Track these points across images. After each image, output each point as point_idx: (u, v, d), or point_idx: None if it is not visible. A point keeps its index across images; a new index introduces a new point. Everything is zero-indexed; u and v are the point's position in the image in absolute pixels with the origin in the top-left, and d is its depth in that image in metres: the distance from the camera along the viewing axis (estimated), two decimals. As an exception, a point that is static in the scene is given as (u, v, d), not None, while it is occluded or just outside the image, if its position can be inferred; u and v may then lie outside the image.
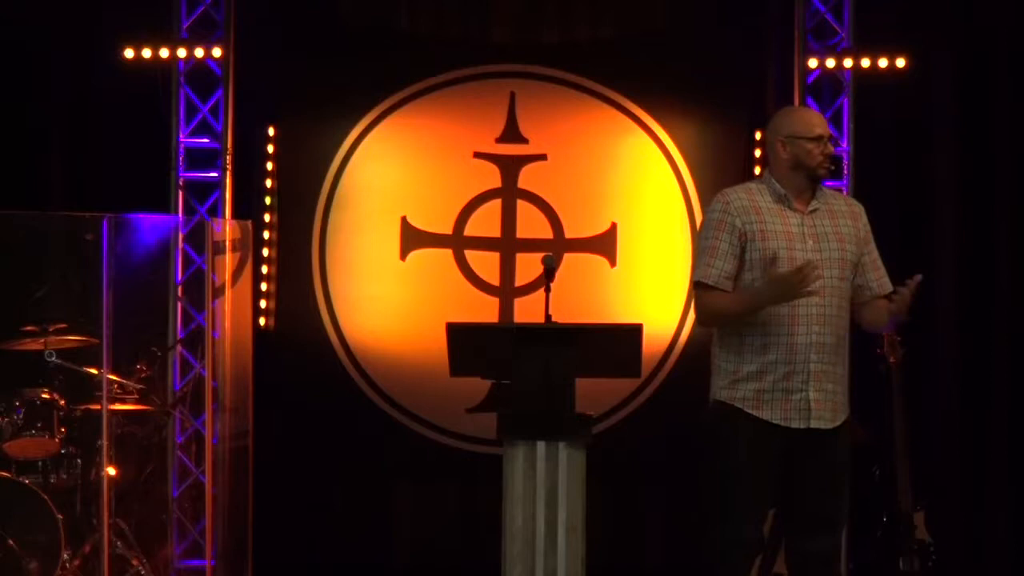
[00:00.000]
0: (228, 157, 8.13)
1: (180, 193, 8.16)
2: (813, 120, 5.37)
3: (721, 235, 5.23)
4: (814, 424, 5.17)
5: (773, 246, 5.18)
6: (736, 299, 5.18)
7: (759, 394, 5.19)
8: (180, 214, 8.13)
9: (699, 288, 5.24)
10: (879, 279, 5.35)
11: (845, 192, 8.00)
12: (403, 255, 8.20)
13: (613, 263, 8.07)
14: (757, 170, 8.08)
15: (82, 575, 7.29)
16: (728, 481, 5.21)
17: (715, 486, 5.25)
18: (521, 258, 8.14)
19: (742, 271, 5.21)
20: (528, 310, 8.01)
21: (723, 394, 5.27)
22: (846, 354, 5.28)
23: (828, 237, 5.26)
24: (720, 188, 8.09)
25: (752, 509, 5.24)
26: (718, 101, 8.13)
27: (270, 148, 8.26)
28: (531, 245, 8.11)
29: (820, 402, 5.18)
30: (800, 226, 5.25)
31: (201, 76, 8.19)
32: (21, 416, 7.26)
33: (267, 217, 8.24)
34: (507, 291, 8.14)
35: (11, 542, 7.07)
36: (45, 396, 7.32)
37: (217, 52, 8.12)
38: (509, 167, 8.17)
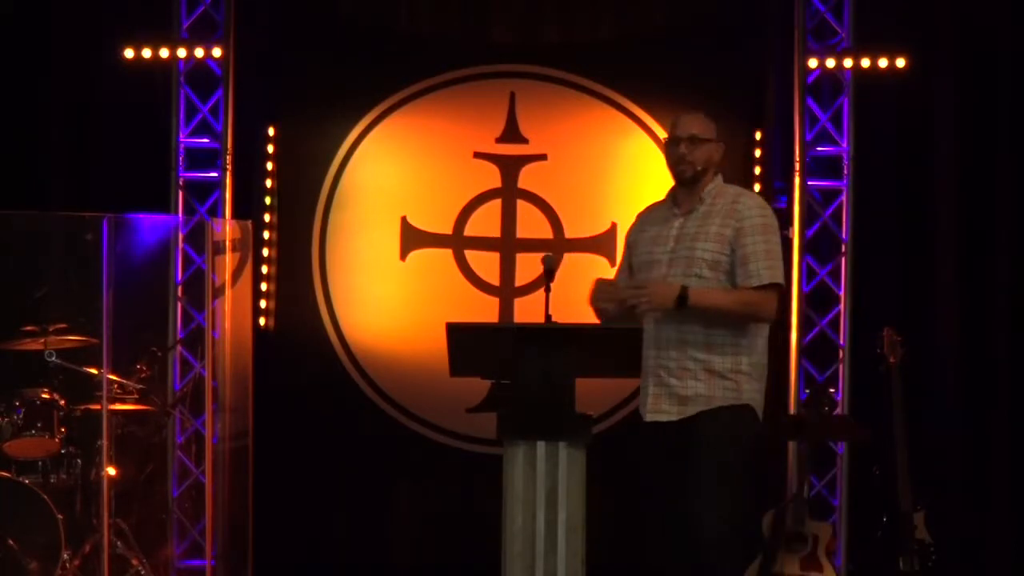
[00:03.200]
0: (228, 157, 8.13)
1: (180, 193, 8.16)
2: (674, 122, 5.55)
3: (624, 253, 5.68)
4: (650, 417, 5.34)
5: (642, 251, 5.51)
6: None
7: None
8: (180, 214, 8.13)
9: None
10: (744, 274, 5.35)
11: (845, 192, 8.01)
12: (403, 255, 8.20)
13: (613, 263, 8.06)
14: (757, 170, 8.09)
15: (82, 575, 7.29)
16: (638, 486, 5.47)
17: None
18: (521, 258, 8.14)
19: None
20: (528, 310, 8.01)
21: None
22: (711, 346, 5.32)
23: (689, 237, 5.42)
24: (720, 188, 8.17)
25: (648, 506, 5.39)
26: (718, 101, 8.10)
27: (270, 148, 8.26)
28: (531, 245, 8.11)
29: (658, 397, 5.36)
30: (671, 229, 5.48)
31: (201, 76, 8.19)
32: (21, 416, 7.27)
33: (267, 217, 8.24)
34: (507, 291, 8.14)
35: (11, 542, 7.07)
36: (45, 396, 7.32)
37: (217, 52, 8.13)
38: (509, 167, 8.17)
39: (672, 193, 5.55)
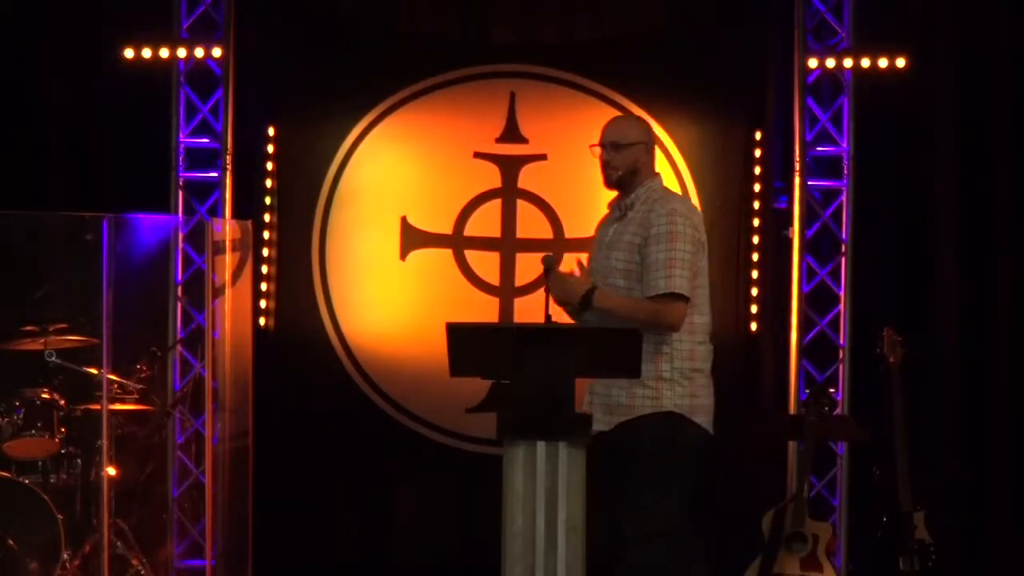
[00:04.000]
0: (228, 157, 8.13)
1: (180, 193, 8.16)
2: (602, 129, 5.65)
3: None
4: (595, 427, 5.38)
5: (591, 257, 5.63)
6: None
7: None
8: (180, 214, 8.13)
9: None
10: (644, 285, 5.42)
11: (845, 192, 8.02)
12: (403, 255, 8.20)
13: (613, 263, 8.07)
14: (757, 170, 8.09)
15: (82, 575, 7.29)
16: None
17: None
18: (521, 258, 8.13)
19: None
20: (528, 310, 8.00)
21: None
22: None
23: (611, 245, 5.53)
24: (720, 188, 8.20)
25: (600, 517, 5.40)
26: (718, 101, 8.13)
27: (270, 148, 8.26)
28: (531, 245, 8.11)
29: (592, 405, 5.48)
30: (607, 235, 5.61)
31: (201, 76, 8.19)
32: (21, 416, 7.27)
33: (267, 217, 8.24)
34: (507, 291, 8.14)
35: (11, 542, 7.07)
36: (45, 396, 7.32)
37: (217, 52, 8.13)
38: (509, 167, 8.17)
39: (618, 196, 5.65)
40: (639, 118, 5.77)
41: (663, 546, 5.32)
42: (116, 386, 7.41)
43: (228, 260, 7.99)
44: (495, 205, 8.18)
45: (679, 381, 5.39)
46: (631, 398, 5.37)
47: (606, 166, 5.58)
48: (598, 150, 5.62)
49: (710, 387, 5.54)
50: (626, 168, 5.55)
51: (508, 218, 8.17)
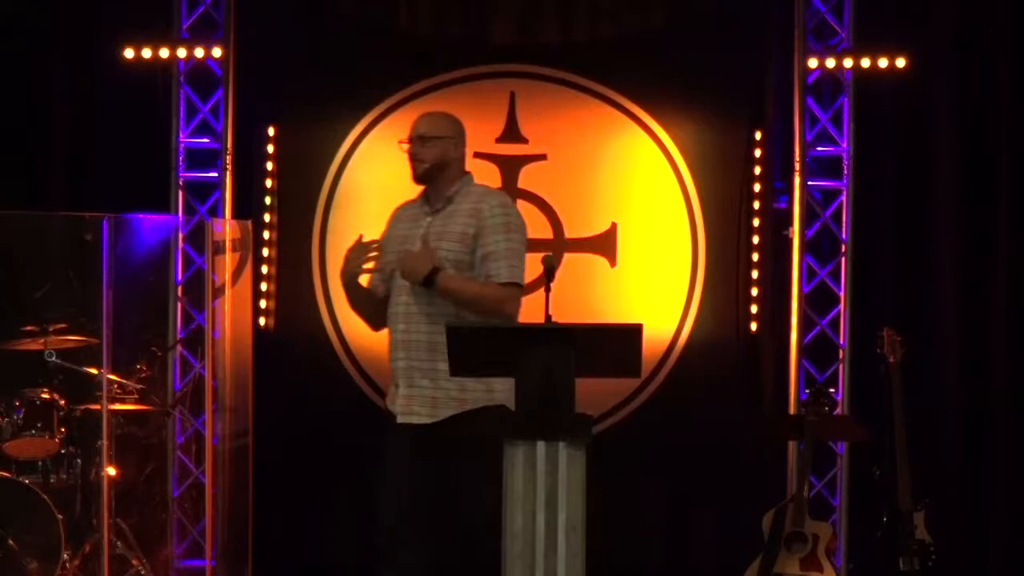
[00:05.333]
0: (228, 157, 8.13)
1: (180, 193, 8.16)
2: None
3: None
4: (402, 419, 5.48)
5: (389, 249, 5.58)
6: None
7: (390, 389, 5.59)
8: (180, 214, 8.13)
9: None
10: (489, 271, 5.49)
11: (845, 192, 8.02)
12: (403, 255, 8.18)
13: (613, 263, 8.07)
14: (757, 170, 8.09)
15: (82, 575, 7.30)
16: (380, 483, 5.51)
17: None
18: (521, 258, 8.12)
19: None
20: (528, 310, 7.96)
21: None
22: None
23: (437, 237, 5.52)
24: (720, 188, 8.19)
25: (391, 510, 5.44)
26: (718, 101, 8.12)
27: (270, 148, 8.26)
28: (531, 245, 8.04)
29: (409, 398, 5.51)
30: (418, 228, 5.58)
31: (201, 76, 8.19)
32: (21, 416, 7.28)
33: (267, 217, 8.24)
34: (507, 291, 8.12)
35: (11, 542, 7.08)
36: (45, 396, 7.33)
37: (217, 52, 8.13)
38: (509, 167, 8.17)
39: (424, 192, 5.66)
40: (451, 115, 5.76)
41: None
42: (116, 386, 7.41)
43: (228, 260, 7.99)
44: (495, 205, 8.17)
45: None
46: (463, 391, 5.39)
47: (413, 159, 5.61)
48: (406, 145, 5.63)
49: None
50: (432, 161, 5.58)
51: (508, 218, 8.15)
